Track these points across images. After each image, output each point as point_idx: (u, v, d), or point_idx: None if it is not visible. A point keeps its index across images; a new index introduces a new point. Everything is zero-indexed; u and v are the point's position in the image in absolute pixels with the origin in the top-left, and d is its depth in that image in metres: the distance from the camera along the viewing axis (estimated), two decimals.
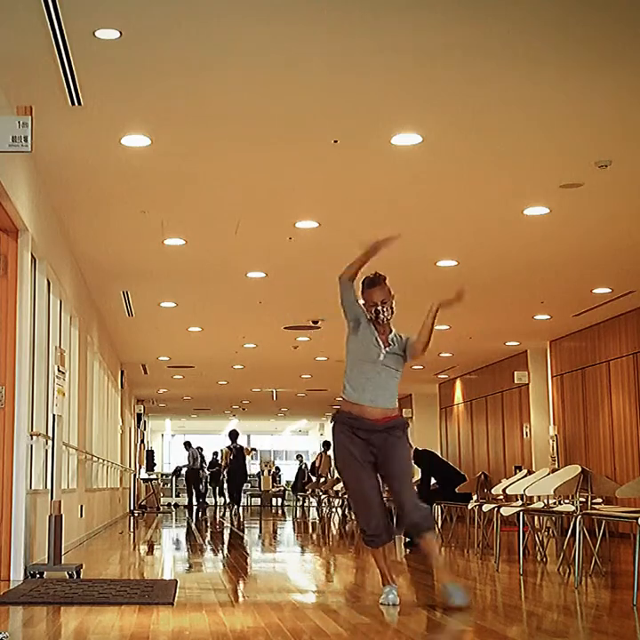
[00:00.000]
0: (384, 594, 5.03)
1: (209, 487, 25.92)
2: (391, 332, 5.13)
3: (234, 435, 20.83)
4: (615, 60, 4.82)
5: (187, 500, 23.38)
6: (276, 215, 7.58)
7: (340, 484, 15.71)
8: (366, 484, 5.03)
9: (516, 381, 14.78)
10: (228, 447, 20.61)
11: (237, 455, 20.31)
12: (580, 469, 6.49)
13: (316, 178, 6.68)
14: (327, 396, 21.97)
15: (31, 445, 6.47)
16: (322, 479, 20.36)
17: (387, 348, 5.04)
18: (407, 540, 9.73)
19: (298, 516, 18.99)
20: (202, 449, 25.67)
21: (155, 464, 24.32)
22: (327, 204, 7.28)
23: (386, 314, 5.03)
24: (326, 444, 21.16)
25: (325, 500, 17.41)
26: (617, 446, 11.60)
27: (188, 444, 24.19)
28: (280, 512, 21.39)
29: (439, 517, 11.24)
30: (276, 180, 6.73)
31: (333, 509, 17.05)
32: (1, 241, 6.19)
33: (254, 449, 28.27)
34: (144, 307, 11.41)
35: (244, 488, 22.25)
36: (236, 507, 20.30)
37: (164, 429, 36.69)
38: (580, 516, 6.23)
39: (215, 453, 26.13)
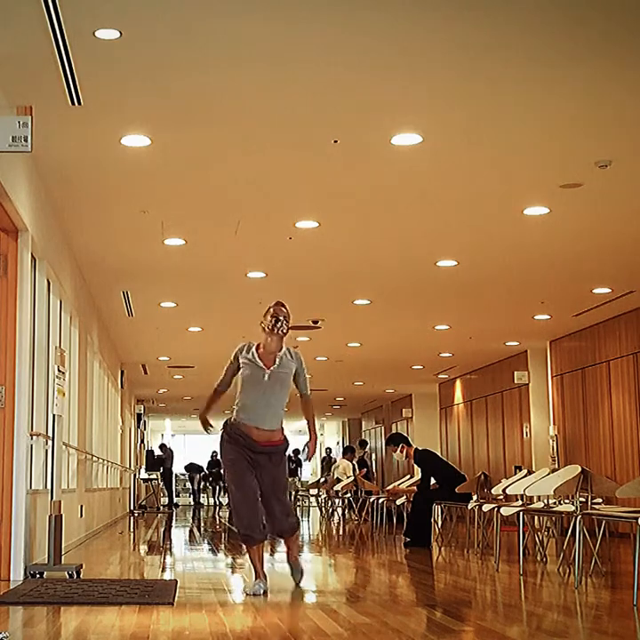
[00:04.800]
0: (253, 585, 5.55)
1: (209, 486, 26.72)
2: (281, 349, 5.68)
3: None
4: (616, 61, 4.82)
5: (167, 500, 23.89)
6: (276, 215, 7.58)
7: (340, 485, 15.72)
8: (252, 482, 5.61)
9: (515, 381, 14.78)
10: None
11: None
12: (579, 469, 6.49)
13: (316, 178, 6.68)
14: (327, 395, 22.00)
15: (31, 445, 6.47)
16: (321, 480, 20.40)
17: (271, 368, 5.62)
18: (407, 539, 9.73)
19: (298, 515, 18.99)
20: (216, 453, 26.21)
21: (163, 459, 24.43)
22: (327, 203, 7.28)
23: (281, 328, 5.62)
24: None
25: (324, 500, 17.41)
26: (617, 446, 11.60)
27: (163, 447, 25.67)
28: None
29: (439, 517, 11.23)
30: (276, 180, 6.73)
31: (335, 509, 17.05)
32: (1, 241, 6.19)
33: None
34: (144, 307, 11.41)
35: None
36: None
37: (164, 429, 36.68)
38: (579, 516, 6.23)
39: (214, 453, 26.52)
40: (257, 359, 5.62)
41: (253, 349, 5.67)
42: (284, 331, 5.63)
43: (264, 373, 5.58)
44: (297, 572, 5.93)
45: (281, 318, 5.62)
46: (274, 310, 5.65)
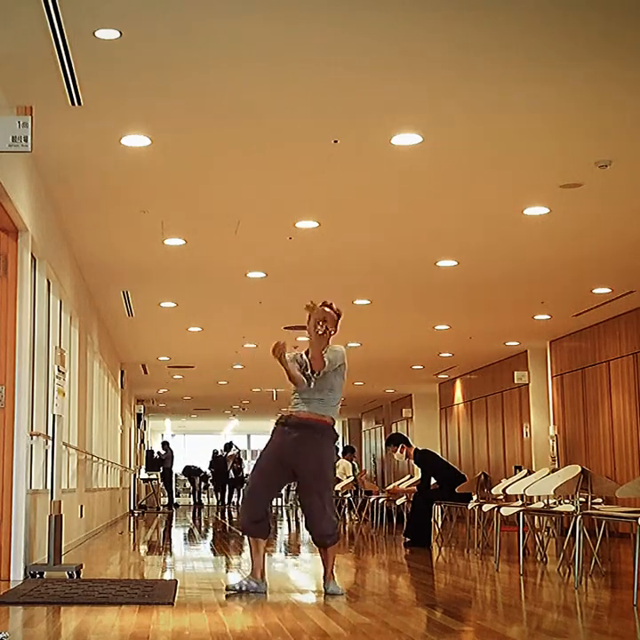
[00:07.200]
0: (242, 578, 5.60)
1: (211, 485, 27.49)
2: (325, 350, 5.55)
3: (227, 446, 26.28)
4: (616, 61, 4.82)
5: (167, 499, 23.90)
6: (276, 215, 7.58)
7: (340, 485, 15.72)
8: (266, 478, 5.57)
9: (515, 381, 14.77)
10: (219, 455, 25.85)
11: (220, 462, 25.66)
12: (579, 469, 6.49)
13: (316, 178, 6.68)
14: None
15: (31, 445, 6.46)
16: None
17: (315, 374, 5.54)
18: (407, 539, 9.73)
19: (299, 515, 18.98)
20: (217, 451, 26.26)
21: (163, 459, 24.40)
22: (327, 204, 7.28)
23: (316, 331, 5.48)
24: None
25: None
26: (617, 446, 11.60)
27: (165, 444, 25.93)
28: (279, 512, 21.39)
29: (439, 517, 11.23)
30: (276, 180, 6.73)
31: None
32: (1, 241, 6.19)
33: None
34: (144, 307, 11.41)
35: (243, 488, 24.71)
36: (222, 504, 25.07)
37: (164, 429, 36.67)
38: (579, 516, 6.23)
39: (215, 452, 26.60)
40: (306, 362, 5.58)
41: (304, 355, 5.65)
42: (320, 332, 5.48)
43: (310, 379, 5.56)
44: (330, 592, 5.51)
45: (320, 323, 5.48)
46: (311, 315, 5.51)
